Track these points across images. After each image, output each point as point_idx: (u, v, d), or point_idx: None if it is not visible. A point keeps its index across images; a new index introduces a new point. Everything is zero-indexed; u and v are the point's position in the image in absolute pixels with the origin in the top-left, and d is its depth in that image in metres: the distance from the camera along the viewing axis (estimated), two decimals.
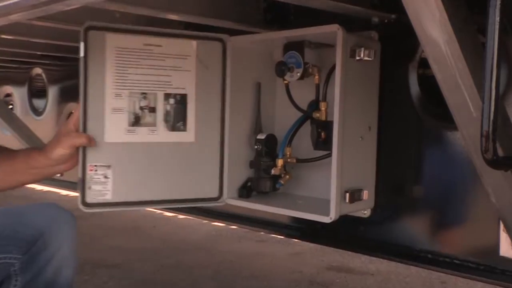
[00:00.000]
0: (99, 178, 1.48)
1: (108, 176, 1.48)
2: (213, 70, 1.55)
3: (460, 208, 1.40)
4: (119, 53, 1.47)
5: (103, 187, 1.48)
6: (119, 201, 1.50)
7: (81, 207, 1.46)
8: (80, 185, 1.45)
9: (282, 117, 1.66)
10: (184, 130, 1.56)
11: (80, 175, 1.44)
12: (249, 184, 1.59)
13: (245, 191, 1.57)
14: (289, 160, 1.54)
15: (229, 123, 1.55)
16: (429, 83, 1.26)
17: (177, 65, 1.53)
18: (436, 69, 1.00)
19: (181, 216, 4.09)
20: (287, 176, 1.55)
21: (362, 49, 1.33)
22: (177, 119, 1.55)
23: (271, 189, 1.56)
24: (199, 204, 1.61)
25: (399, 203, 1.49)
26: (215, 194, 1.58)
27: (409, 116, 1.45)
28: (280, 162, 1.52)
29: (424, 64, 1.43)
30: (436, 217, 1.44)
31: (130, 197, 1.51)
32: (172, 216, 4.24)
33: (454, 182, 1.40)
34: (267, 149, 1.54)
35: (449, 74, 0.99)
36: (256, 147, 1.56)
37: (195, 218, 2.26)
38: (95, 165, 1.47)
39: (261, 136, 1.56)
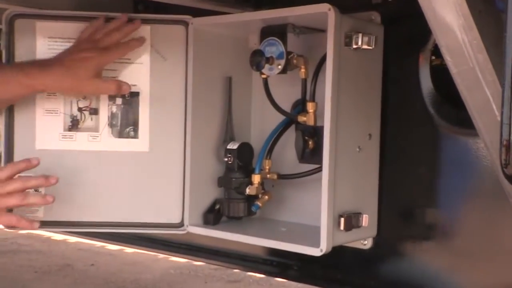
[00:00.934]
0: (28, 192, 1.50)
1: (40, 190, 1.53)
2: (174, 62, 1.58)
3: (485, 237, 1.44)
4: (52, 44, 1.55)
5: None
6: (52, 220, 1.57)
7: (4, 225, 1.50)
8: None
9: (259, 122, 1.70)
10: (135, 137, 1.59)
11: None
12: (217, 207, 1.61)
13: (213, 217, 1.59)
14: (268, 176, 1.56)
15: (191, 128, 1.57)
16: (445, 77, 1.29)
17: (126, 57, 1.56)
18: (450, 62, 1.03)
19: (128, 250, 4.07)
20: (266, 197, 1.58)
21: (360, 35, 1.36)
22: (126, 123, 1.59)
23: (246, 214, 1.58)
24: (155, 230, 1.64)
25: (408, 230, 1.53)
26: (176, 219, 1.60)
27: (420, 120, 1.49)
28: (256, 178, 1.54)
29: (439, 53, 1.47)
30: (455, 248, 1.48)
31: (66, 216, 1.57)
32: (117, 250, 4.22)
33: (477, 203, 1.44)
34: (240, 162, 1.57)
35: (466, 68, 1.02)
36: (226, 159, 1.58)
37: (148, 252, 2.26)
38: (24, 176, 1.50)
39: (233, 146, 1.58)
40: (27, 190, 1.42)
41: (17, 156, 1.56)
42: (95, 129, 1.59)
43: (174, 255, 2.13)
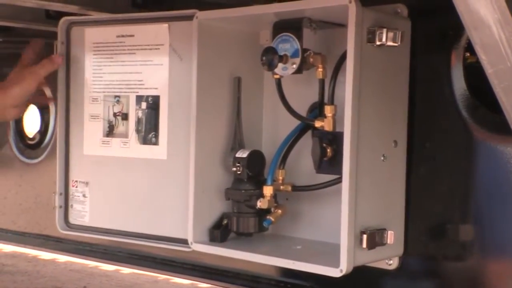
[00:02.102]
0: (78, 197, 1.76)
1: (87, 195, 1.75)
2: (189, 62, 1.61)
3: None
4: (96, 49, 1.73)
5: (82, 207, 1.77)
6: (96, 226, 1.76)
7: (61, 227, 1.78)
8: (61, 201, 1.77)
9: (271, 127, 1.71)
10: (156, 143, 1.67)
11: (60, 189, 1.76)
12: (224, 222, 1.62)
13: (219, 233, 1.60)
14: (282, 187, 1.57)
15: (195, 134, 1.58)
16: (480, 77, 1.30)
17: (149, 59, 1.66)
18: (485, 61, 1.04)
19: (125, 270, 4.08)
20: (279, 211, 1.58)
21: (385, 30, 1.36)
22: (148, 128, 1.68)
23: (257, 230, 1.59)
24: (164, 244, 1.69)
25: (438, 249, 1.53)
26: (183, 233, 1.62)
27: (452, 126, 1.49)
28: (269, 190, 1.55)
29: (473, 50, 1.47)
30: (491, 269, 1.48)
31: (105, 223, 1.75)
32: (113, 270, 4.22)
33: None
34: (250, 172, 1.58)
35: (503, 68, 1.03)
36: (234, 169, 1.58)
37: (147, 273, 2.27)
38: (76, 181, 1.77)
39: (242, 154, 1.59)
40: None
41: (72, 161, 1.78)
42: (126, 134, 1.70)
43: (176, 276, 2.13)
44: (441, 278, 1.53)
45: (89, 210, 1.76)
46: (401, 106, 1.50)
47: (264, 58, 1.47)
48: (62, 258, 4.32)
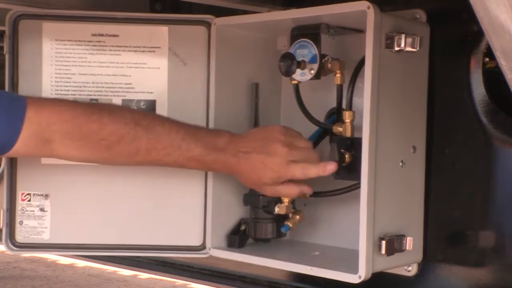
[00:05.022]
0: (33, 211, 1.58)
1: (46, 209, 1.58)
2: (194, 67, 1.60)
3: None
4: (60, 47, 1.59)
5: (38, 223, 1.59)
6: (59, 242, 1.60)
7: (7, 247, 1.58)
8: (6, 218, 1.57)
9: None
10: None
11: (5, 205, 1.57)
12: (243, 228, 1.62)
13: (238, 239, 1.60)
14: None
15: None
16: (500, 83, 1.29)
17: (141, 61, 1.60)
18: (506, 66, 1.03)
19: (143, 276, 4.10)
20: (297, 217, 1.58)
21: (403, 35, 1.36)
22: None
23: (275, 235, 1.59)
24: (173, 254, 1.66)
25: (457, 255, 1.52)
26: (196, 241, 1.62)
27: (471, 131, 1.49)
28: None
29: (493, 55, 1.46)
30: None
31: (74, 238, 1.60)
32: (131, 275, 4.24)
33: None
34: None
35: None
36: None
37: (165, 278, 2.27)
38: (29, 194, 1.58)
39: None
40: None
41: (21, 171, 1.59)
42: None
43: (194, 281, 2.13)
44: (461, 285, 1.52)
45: (50, 226, 1.59)
46: (419, 112, 1.50)
47: (282, 64, 1.47)
48: (80, 263, 4.35)
